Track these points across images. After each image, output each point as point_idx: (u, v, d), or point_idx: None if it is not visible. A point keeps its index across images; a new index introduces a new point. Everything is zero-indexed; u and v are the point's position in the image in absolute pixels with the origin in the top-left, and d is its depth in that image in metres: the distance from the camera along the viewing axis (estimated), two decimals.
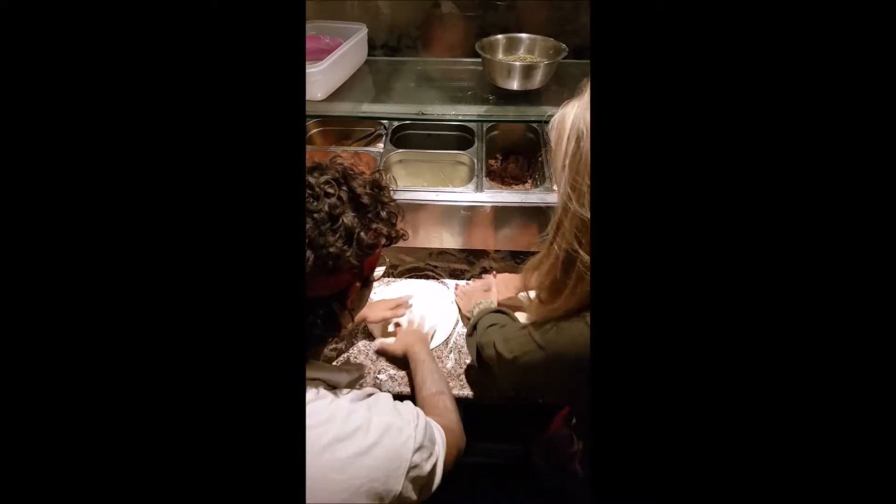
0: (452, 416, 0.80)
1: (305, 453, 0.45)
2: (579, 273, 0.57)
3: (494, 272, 1.15)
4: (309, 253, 0.52)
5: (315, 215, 0.54)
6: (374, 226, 0.57)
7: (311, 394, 0.57)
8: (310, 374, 0.59)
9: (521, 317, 0.95)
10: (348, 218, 0.54)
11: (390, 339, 1.02)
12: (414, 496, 0.58)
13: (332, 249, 0.53)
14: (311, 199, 0.54)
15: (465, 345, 1.05)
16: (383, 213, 0.59)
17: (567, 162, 0.55)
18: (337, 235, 0.53)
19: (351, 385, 0.64)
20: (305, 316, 0.55)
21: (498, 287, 1.09)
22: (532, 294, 0.70)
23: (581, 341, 0.59)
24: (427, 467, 0.60)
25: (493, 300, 1.04)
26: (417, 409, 0.65)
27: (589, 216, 0.53)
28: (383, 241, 0.59)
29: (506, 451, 1.32)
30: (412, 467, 0.57)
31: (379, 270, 1.24)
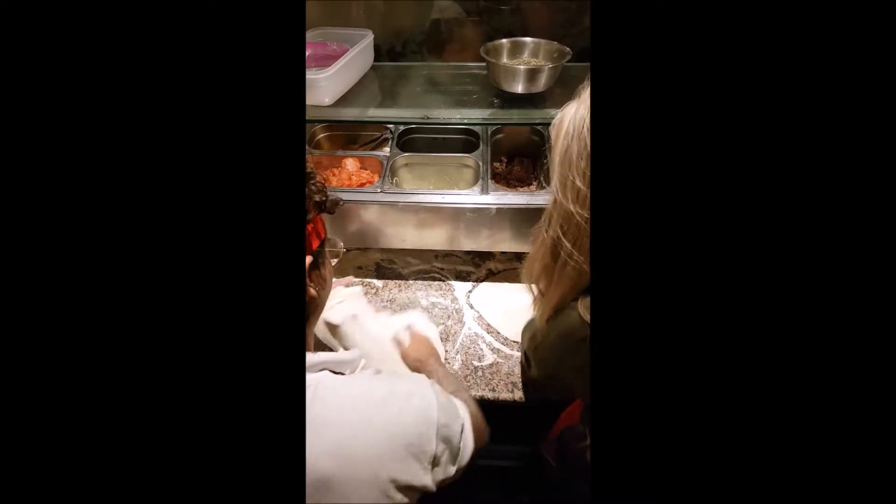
0: (472, 407, 0.80)
1: (305, 442, 0.45)
2: (563, 260, 0.65)
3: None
4: None
5: None
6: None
7: (327, 380, 0.58)
8: (311, 362, 0.60)
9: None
10: None
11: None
12: (451, 468, 0.60)
13: None
14: None
15: (470, 346, 1.06)
16: (310, 184, 0.61)
17: (558, 159, 0.61)
18: None
19: (353, 368, 0.64)
20: None
21: None
22: (535, 288, 0.77)
23: (571, 328, 0.68)
24: (456, 427, 0.61)
25: None
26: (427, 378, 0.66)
27: (572, 209, 0.60)
28: (313, 210, 0.60)
29: (513, 453, 1.31)
30: (441, 426, 0.58)
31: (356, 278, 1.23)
